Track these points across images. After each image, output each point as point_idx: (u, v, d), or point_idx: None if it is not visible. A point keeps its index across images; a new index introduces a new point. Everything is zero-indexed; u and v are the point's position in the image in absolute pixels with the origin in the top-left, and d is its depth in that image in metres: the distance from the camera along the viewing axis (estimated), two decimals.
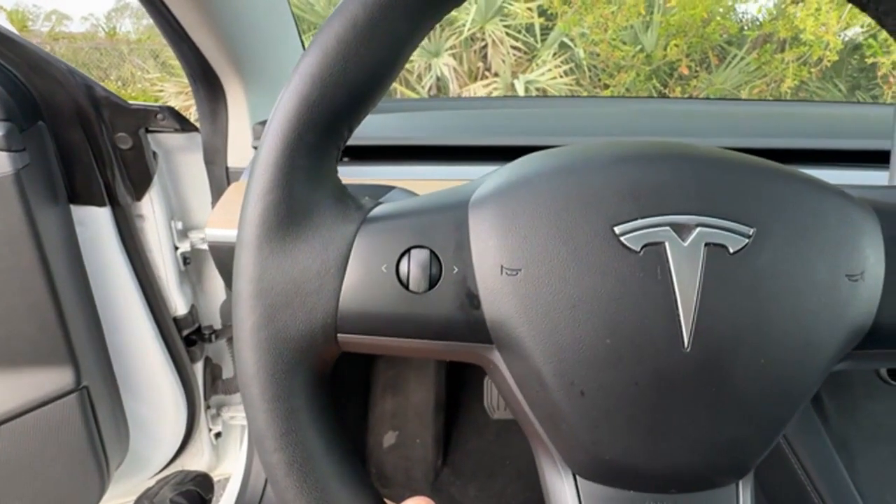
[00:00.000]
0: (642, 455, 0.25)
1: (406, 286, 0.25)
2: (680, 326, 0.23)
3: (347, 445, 0.28)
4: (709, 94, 4.07)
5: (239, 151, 0.76)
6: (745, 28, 3.84)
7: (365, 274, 0.25)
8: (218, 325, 1.07)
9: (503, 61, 4.41)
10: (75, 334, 0.78)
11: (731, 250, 0.23)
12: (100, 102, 0.77)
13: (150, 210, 0.89)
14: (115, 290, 0.88)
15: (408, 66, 4.56)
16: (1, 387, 0.74)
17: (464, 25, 4.26)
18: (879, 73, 3.13)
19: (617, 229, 0.24)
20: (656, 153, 0.25)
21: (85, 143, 0.77)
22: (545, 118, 0.87)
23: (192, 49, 0.64)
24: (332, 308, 0.25)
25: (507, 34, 4.29)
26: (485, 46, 4.53)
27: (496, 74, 4.60)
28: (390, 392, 1.19)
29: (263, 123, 0.76)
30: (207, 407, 1.10)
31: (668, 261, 0.23)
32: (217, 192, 0.79)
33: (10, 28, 0.70)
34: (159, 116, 0.82)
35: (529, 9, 4.12)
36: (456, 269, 0.25)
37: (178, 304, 0.97)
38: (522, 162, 0.27)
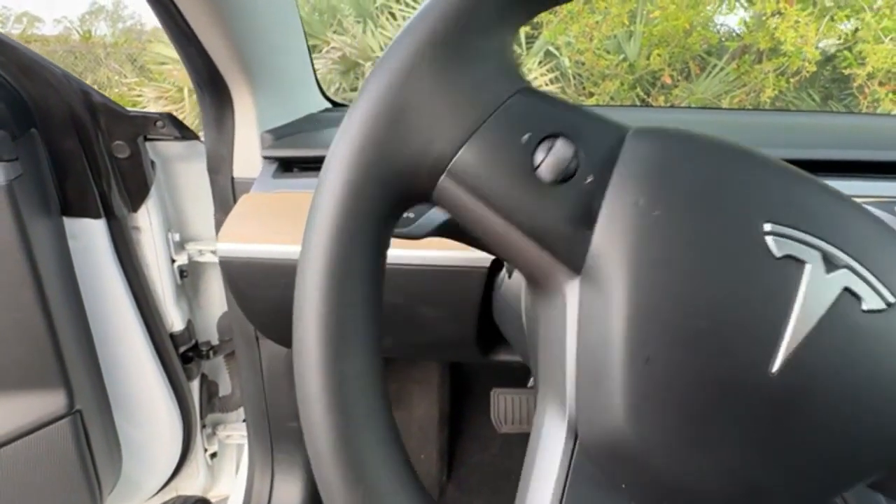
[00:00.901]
0: (668, 460, 0.23)
1: (535, 169, 0.24)
2: (778, 346, 0.22)
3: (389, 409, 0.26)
4: (690, 104, 4.14)
5: (245, 161, 0.73)
6: (725, 39, 3.93)
7: (503, 135, 0.24)
8: (215, 341, 1.03)
9: None
10: (68, 355, 0.73)
11: (864, 307, 0.23)
12: (96, 109, 0.73)
13: (147, 222, 0.85)
14: (109, 306, 0.83)
15: None
16: None
17: None
18: (855, 84, 3.24)
19: (767, 226, 0.23)
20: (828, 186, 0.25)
21: (80, 151, 0.73)
22: None
23: (200, 52, 0.61)
24: (455, 146, 0.24)
25: None
26: None
27: None
28: (393, 406, 1.15)
29: (272, 132, 0.73)
30: (203, 426, 1.05)
31: (800, 282, 0.22)
32: (221, 203, 0.76)
33: None
34: (159, 124, 0.78)
35: None
36: (591, 179, 0.24)
37: (175, 320, 0.93)
38: (689, 126, 0.27)
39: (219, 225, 0.77)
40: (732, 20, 4.30)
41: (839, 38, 3.20)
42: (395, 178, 0.24)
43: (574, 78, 4.31)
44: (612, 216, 0.23)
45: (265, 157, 0.69)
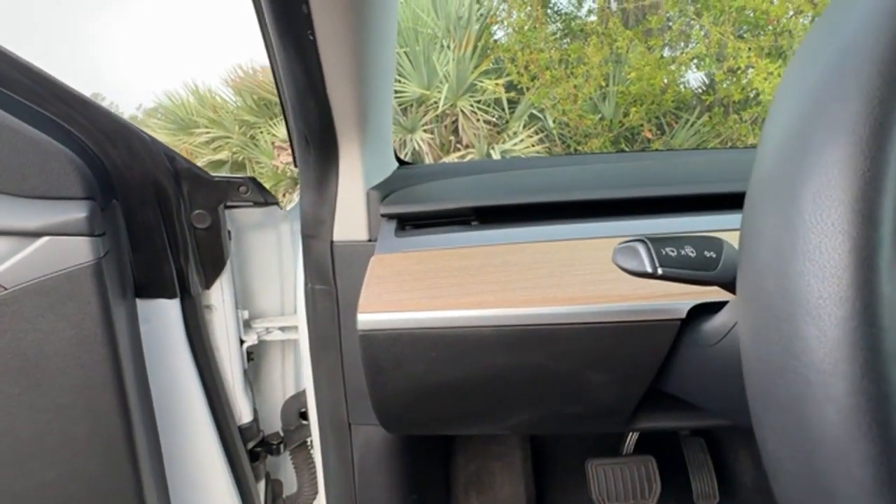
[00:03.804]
0: None
1: None
2: None
3: None
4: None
5: (347, 223, 0.65)
6: (700, 94, 4.17)
7: None
8: (279, 432, 0.90)
9: (475, 134, 4.55)
10: (143, 467, 0.61)
11: None
12: (180, 175, 0.65)
13: (220, 299, 0.75)
14: (177, 400, 0.71)
15: None
16: None
17: (437, 103, 4.41)
18: None
19: None
20: None
21: (159, 223, 0.65)
22: (610, 173, 0.79)
23: (321, 102, 0.55)
24: None
25: (478, 108, 4.46)
26: (455, 121, 4.68)
27: (467, 146, 4.74)
28: (474, 490, 1.02)
29: (378, 188, 0.66)
30: None
31: None
32: (317, 271, 0.67)
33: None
34: (242, 189, 0.71)
35: (498, 84, 4.32)
36: None
37: (243, 411, 0.81)
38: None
39: (313, 296, 0.69)
40: (697, 76, 4.59)
41: None
42: None
43: (559, 138, 4.46)
44: None
45: (385, 216, 0.62)
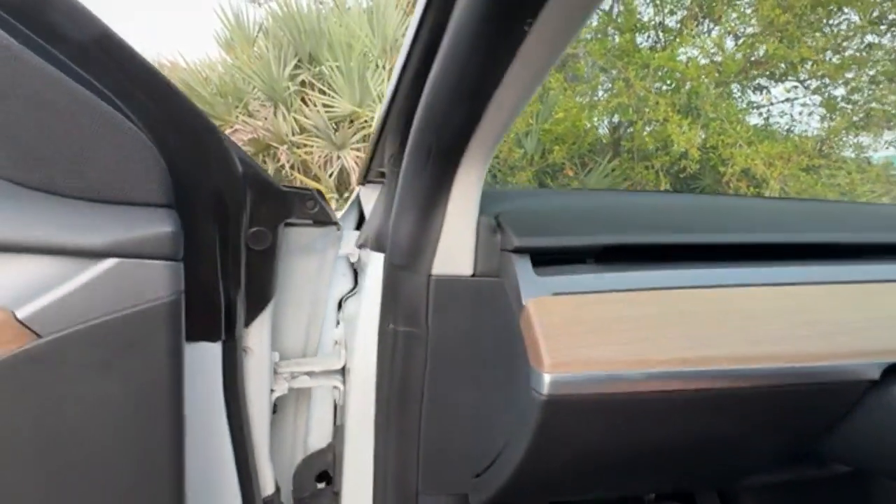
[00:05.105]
0: None
1: None
2: None
3: None
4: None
5: (452, 254, 0.55)
6: (618, 139, 4.52)
7: None
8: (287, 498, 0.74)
9: None
10: None
11: None
12: (247, 182, 0.51)
13: (258, 341, 0.60)
14: (209, 475, 0.54)
15: (309, 155, 4.39)
16: None
17: (368, 122, 4.30)
18: (724, 180, 3.89)
19: None
20: None
21: (215, 242, 0.49)
22: (710, 213, 0.79)
23: (476, 107, 0.45)
24: None
25: None
26: None
27: None
28: None
29: (489, 215, 0.57)
30: None
31: None
32: (405, 309, 0.55)
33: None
34: (310, 203, 0.58)
35: None
36: None
37: (267, 480, 0.65)
38: None
39: (395, 340, 0.56)
40: (613, 122, 4.99)
41: (704, 144, 3.86)
42: None
43: (490, 169, 4.57)
44: None
45: (517, 250, 0.53)
